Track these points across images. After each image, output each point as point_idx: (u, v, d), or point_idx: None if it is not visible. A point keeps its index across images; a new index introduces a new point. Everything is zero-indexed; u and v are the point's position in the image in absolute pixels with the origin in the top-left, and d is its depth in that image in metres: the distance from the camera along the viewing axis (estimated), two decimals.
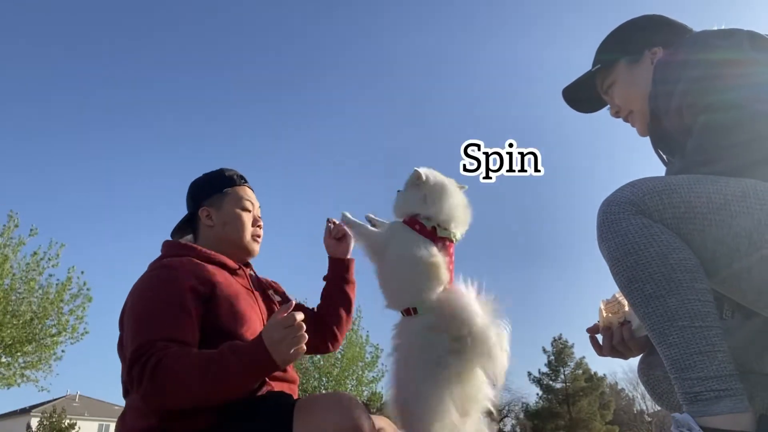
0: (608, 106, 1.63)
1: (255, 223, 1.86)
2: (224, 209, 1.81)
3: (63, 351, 14.24)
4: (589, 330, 1.55)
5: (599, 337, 1.53)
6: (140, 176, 50.48)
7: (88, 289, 14.50)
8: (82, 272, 14.54)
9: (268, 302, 1.80)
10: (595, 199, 1.22)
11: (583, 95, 1.67)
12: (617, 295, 1.49)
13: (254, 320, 1.63)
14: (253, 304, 1.69)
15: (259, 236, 1.87)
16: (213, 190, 1.84)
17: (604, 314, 1.50)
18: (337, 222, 1.94)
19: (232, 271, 1.73)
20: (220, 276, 1.65)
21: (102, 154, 52.17)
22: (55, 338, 13.98)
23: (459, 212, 1.64)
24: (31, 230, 14.11)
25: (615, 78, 1.55)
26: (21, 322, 13.37)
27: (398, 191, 1.74)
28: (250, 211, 1.85)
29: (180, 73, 52.39)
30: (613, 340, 1.47)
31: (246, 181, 1.90)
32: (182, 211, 1.88)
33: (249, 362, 1.36)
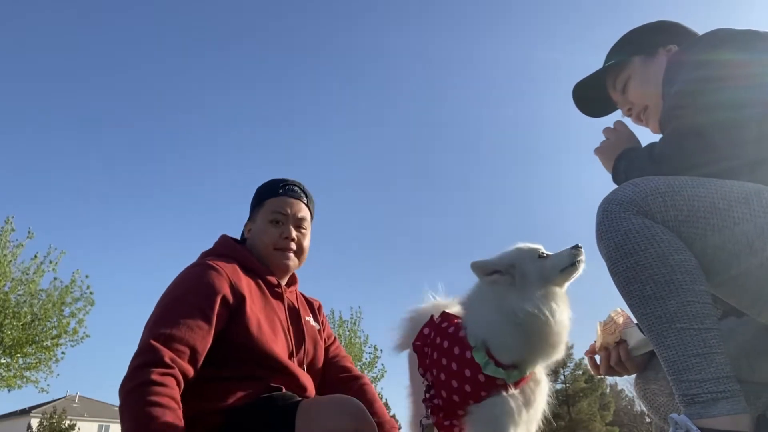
0: (615, 110, 1.62)
1: (282, 235, 1.71)
2: (256, 222, 1.75)
3: (63, 353, 14.22)
4: (587, 353, 1.58)
5: (597, 357, 1.55)
6: (145, 179, 50.49)
7: (91, 293, 14.43)
8: (87, 276, 14.44)
9: (300, 326, 1.72)
10: (595, 196, 1.21)
11: (592, 95, 1.64)
12: (612, 315, 1.50)
13: (278, 343, 1.58)
14: (281, 327, 1.63)
15: (284, 249, 1.71)
16: (256, 201, 1.78)
17: (601, 335, 1.52)
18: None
19: (271, 289, 1.68)
20: (256, 291, 1.60)
21: (108, 161, 52.19)
22: (55, 340, 13.94)
23: None
24: (28, 233, 14.09)
25: (630, 73, 1.53)
26: (21, 323, 13.34)
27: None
28: (278, 223, 1.72)
29: (181, 79, 52.41)
30: (610, 360, 1.49)
31: (291, 191, 1.76)
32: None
33: None
